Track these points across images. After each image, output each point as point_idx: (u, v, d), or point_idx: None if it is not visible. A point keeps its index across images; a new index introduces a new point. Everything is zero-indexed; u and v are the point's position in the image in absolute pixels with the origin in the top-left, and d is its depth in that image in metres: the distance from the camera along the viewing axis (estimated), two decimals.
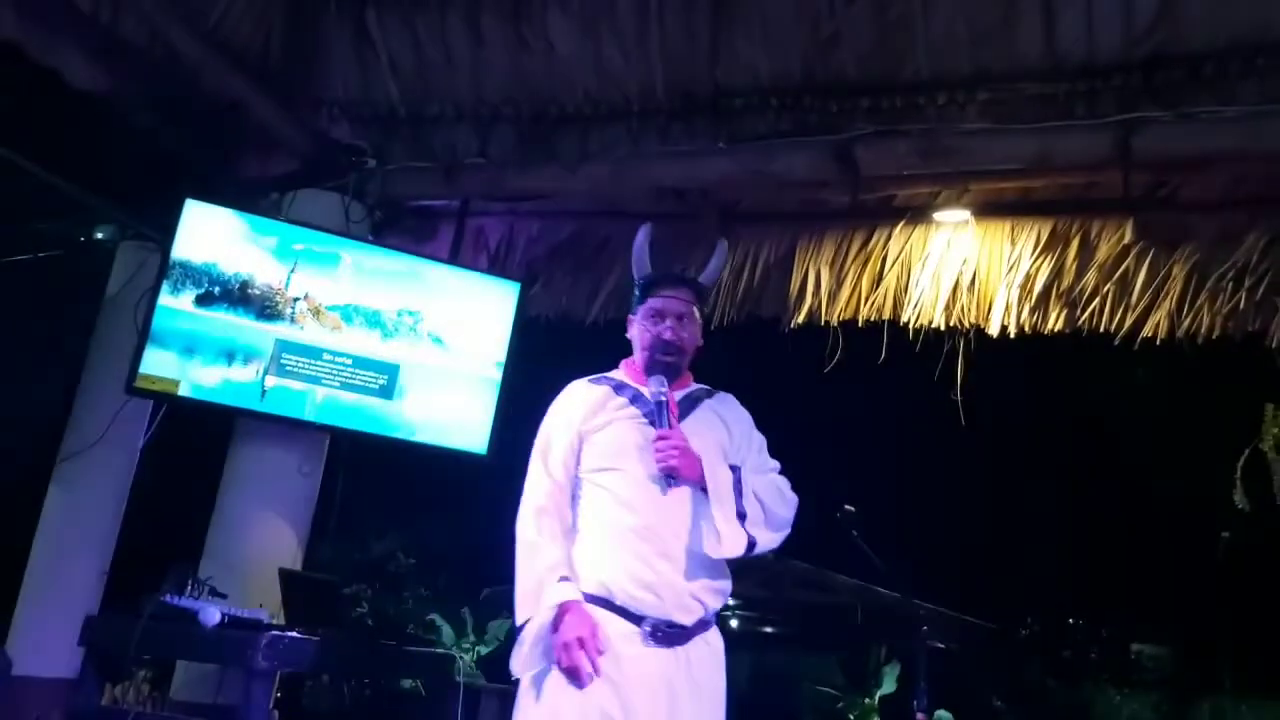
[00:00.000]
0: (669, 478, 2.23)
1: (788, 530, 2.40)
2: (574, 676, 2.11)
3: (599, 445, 2.33)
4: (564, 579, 2.21)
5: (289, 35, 4.43)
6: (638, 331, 2.47)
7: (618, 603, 2.20)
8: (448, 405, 4.35)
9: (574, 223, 5.05)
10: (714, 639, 2.32)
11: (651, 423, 2.33)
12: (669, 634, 2.20)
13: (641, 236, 2.56)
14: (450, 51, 4.43)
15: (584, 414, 2.37)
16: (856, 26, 3.96)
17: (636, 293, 2.50)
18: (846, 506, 3.81)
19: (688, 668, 2.22)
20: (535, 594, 2.21)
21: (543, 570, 2.22)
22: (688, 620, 2.23)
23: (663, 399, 2.31)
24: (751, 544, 2.26)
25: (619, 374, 2.49)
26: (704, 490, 2.26)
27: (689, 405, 2.41)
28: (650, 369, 2.41)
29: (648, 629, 2.18)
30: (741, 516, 2.26)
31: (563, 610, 2.17)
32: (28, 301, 5.08)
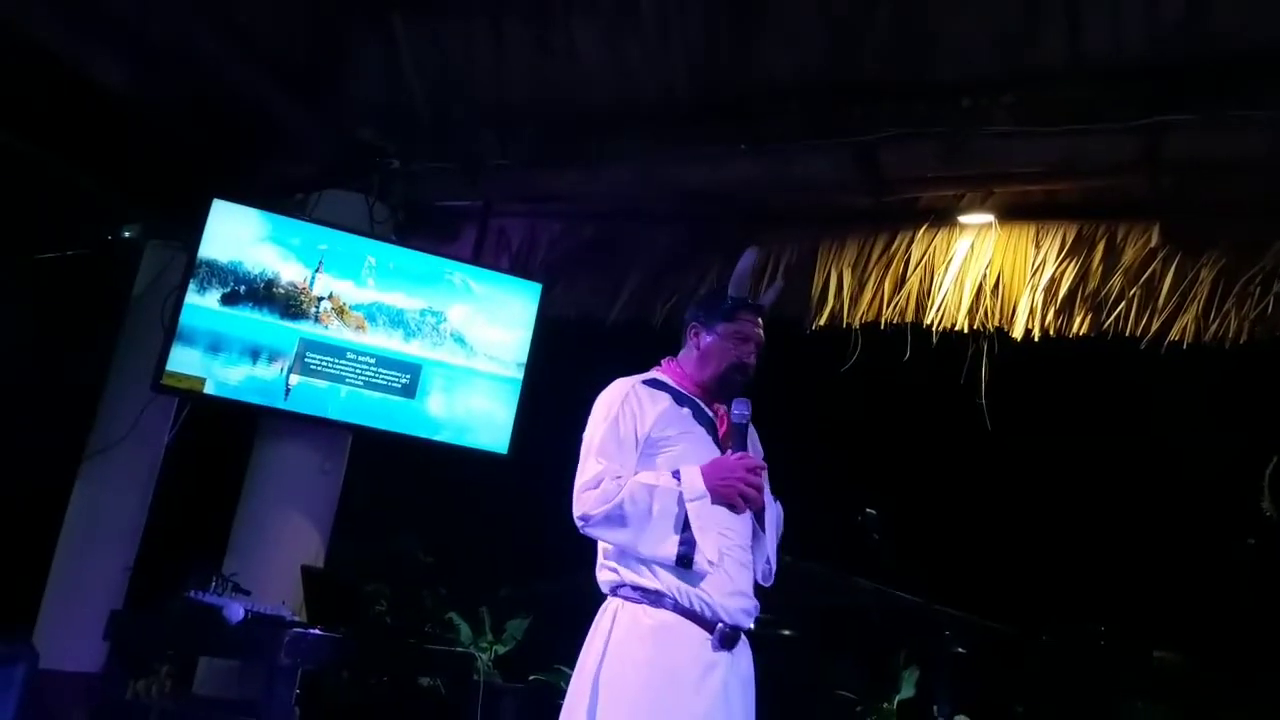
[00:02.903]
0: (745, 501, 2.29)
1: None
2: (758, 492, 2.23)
3: (670, 460, 2.31)
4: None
5: (315, 38, 4.47)
6: (716, 346, 2.44)
7: (694, 610, 2.23)
8: (469, 405, 4.37)
9: (595, 225, 5.06)
10: (745, 639, 2.38)
11: (717, 440, 2.36)
12: (731, 637, 2.26)
13: (749, 259, 2.57)
14: (474, 54, 4.45)
15: (653, 420, 2.33)
16: (880, 29, 3.94)
17: (725, 305, 2.49)
18: (867, 509, 3.80)
19: (736, 667, 2.29)
20: (669, 504, 2.20)
21: (652, 487, 2.22)
22: (748, 624, 2.32)
23: (745, 421, 2.34)
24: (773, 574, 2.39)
25: (667, 379, 2.45)
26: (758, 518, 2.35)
27: (739, 436, 2.41)
28: (723, 384, 2.42)
29: (718, 635, 2.24)
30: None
31: (703, 472, 2.24)
32: (55, 299, 5.14)
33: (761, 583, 2.34)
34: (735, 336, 2.43)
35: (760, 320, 2.48)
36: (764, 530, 2.36)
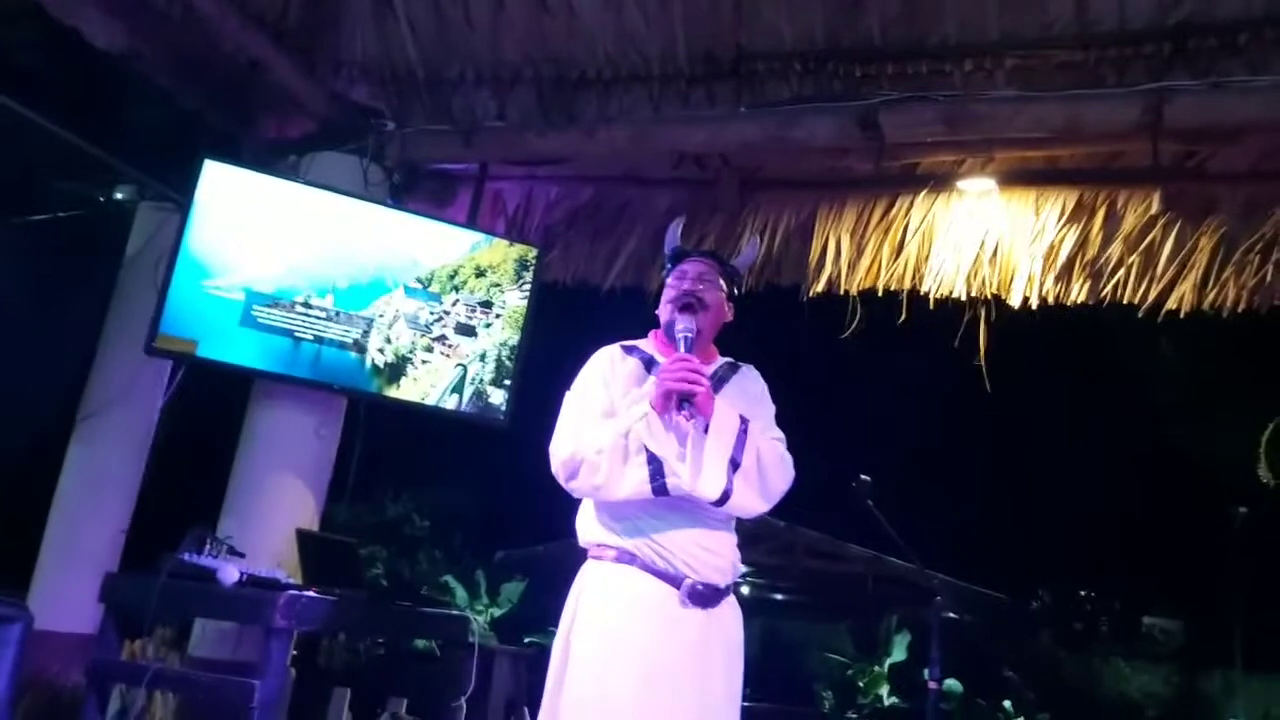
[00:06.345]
0: (681, 404, 2.18)
1: (775, 502, 2.39)
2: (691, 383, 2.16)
3: (638, 429, 2.26)
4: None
5: None
6: (663, 302, 2.46)
7: (658, 566, 2.23)
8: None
9: (593, 187, 5.02)
10: (734, 601, 2.38)
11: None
12: (704, 595, 2.24)
13: (674, 226, 2.60)
14: (470, 13, 4.38)
15: (622, 386, 2.35)
16: None
17: (667, 268, 2.52)
18: (862, 476, 3.81)
19: (719, 628, 2.28)
20: (619, 441, 2.21)
21: (616, 430, 2.22)
22: (722, 582, 2.29)
23: (690, 335, 2.30)
24: (726, 495, 2.22)
25: (649, 346, 2.47)
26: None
27: (716, 384, 2.37)
28: (672, 330, 2.38)
29: (685, 591, 2.22)
30: (734, 464, 2.24)
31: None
32: (48, 261, 5.10)
33: (707, 499, 2.21)
34: (675, 278, 2.46)
35: (709, 261, 2.50)
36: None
